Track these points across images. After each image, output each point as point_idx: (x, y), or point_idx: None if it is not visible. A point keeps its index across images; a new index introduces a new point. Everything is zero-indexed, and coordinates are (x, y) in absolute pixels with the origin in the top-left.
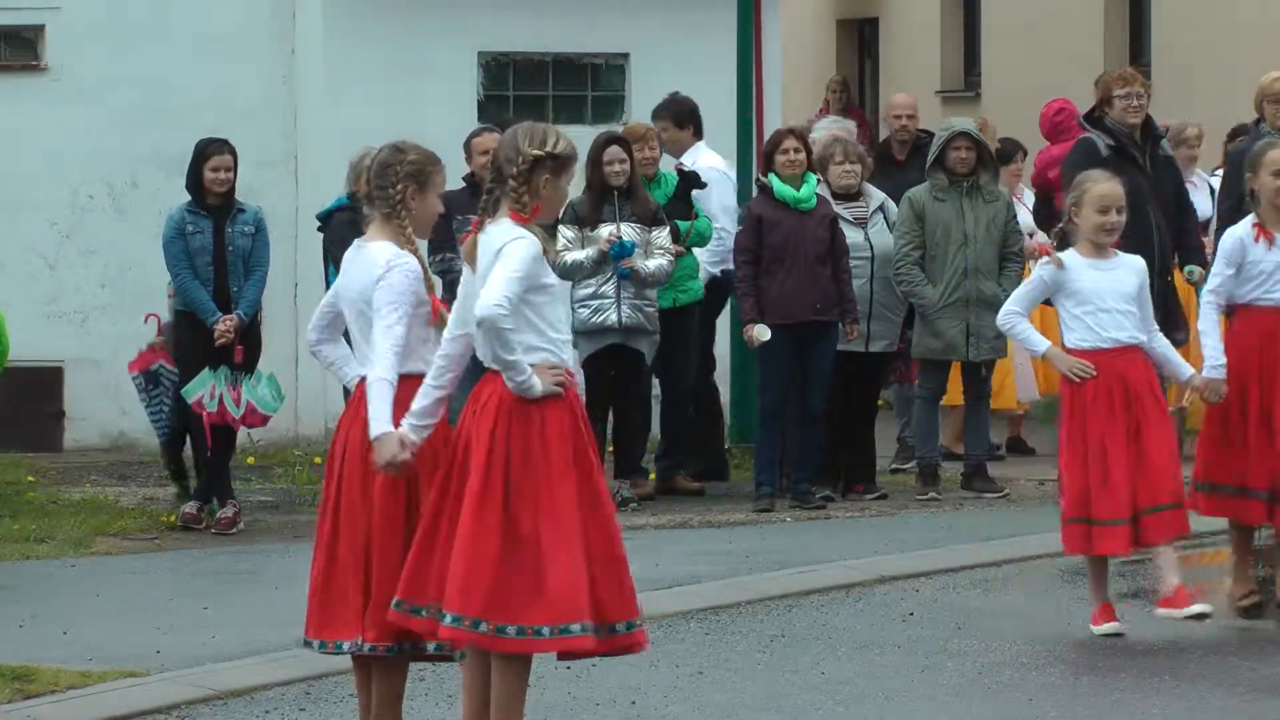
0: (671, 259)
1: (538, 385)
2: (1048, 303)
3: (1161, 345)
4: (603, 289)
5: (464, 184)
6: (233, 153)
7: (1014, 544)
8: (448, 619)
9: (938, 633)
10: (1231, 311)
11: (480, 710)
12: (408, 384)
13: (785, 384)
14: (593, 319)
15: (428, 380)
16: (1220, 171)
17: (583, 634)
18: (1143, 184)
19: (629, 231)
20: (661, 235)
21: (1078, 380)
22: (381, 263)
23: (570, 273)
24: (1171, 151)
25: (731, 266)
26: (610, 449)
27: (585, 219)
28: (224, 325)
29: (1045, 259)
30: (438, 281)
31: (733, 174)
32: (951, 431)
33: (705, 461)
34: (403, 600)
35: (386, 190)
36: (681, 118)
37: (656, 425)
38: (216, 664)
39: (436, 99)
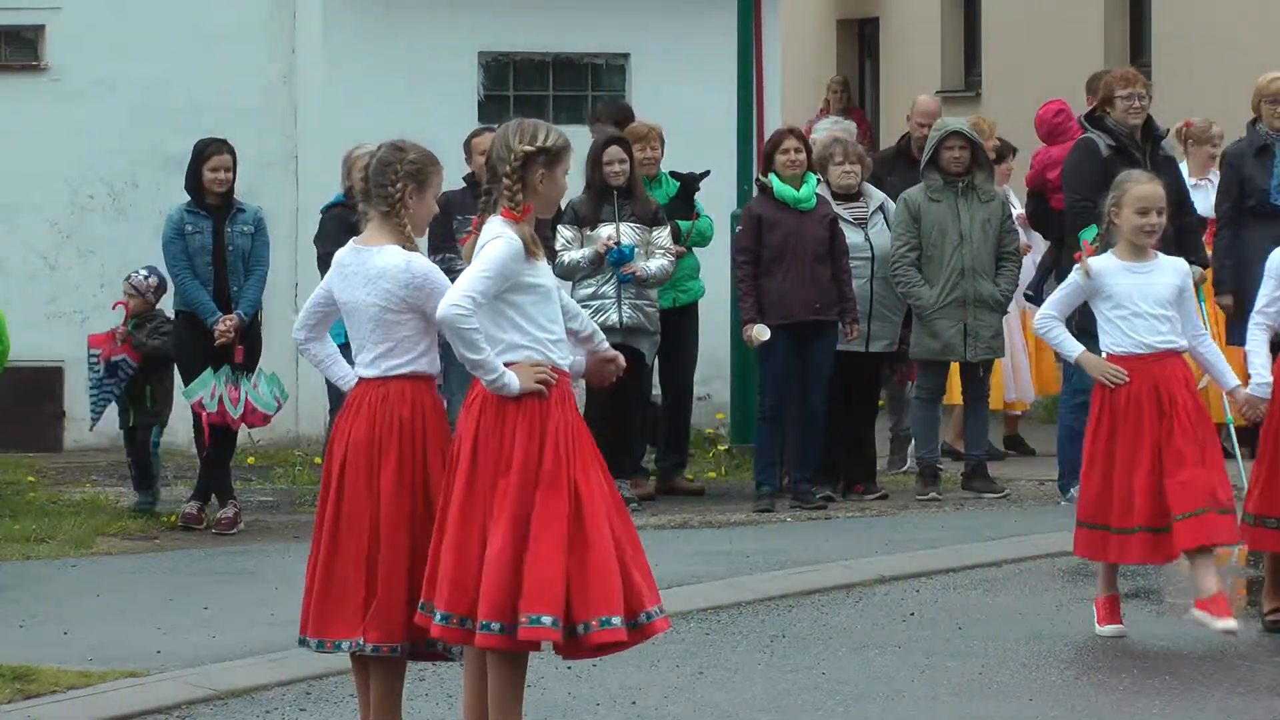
0: (673, 259)
1: (514, 383)
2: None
3: (1208, 351)
4: (603, 289)
5: (464, 184)
6: (232, 153)
7: (1014, 544)
8: (437, 617)
9: (938, 633)
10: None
11: (479, 709)
12: (408, 383)
13: (785, 384)
14: (594, 319)
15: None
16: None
17: (554, 627)
18: None
19: (629, 232)
20: (662, 235)
21: (1112, 386)
22: (401, 267)
23: (568, 272)
24: (1172, 152)
25: None
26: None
27: (585, 219)
28: (224, 325)
29: (1078, 264)
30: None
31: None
32: (953, 430)
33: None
34: (427, 603)
35: (386, 189)
36: (622, 120)
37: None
38: (216, 664)
39: (436, 99)
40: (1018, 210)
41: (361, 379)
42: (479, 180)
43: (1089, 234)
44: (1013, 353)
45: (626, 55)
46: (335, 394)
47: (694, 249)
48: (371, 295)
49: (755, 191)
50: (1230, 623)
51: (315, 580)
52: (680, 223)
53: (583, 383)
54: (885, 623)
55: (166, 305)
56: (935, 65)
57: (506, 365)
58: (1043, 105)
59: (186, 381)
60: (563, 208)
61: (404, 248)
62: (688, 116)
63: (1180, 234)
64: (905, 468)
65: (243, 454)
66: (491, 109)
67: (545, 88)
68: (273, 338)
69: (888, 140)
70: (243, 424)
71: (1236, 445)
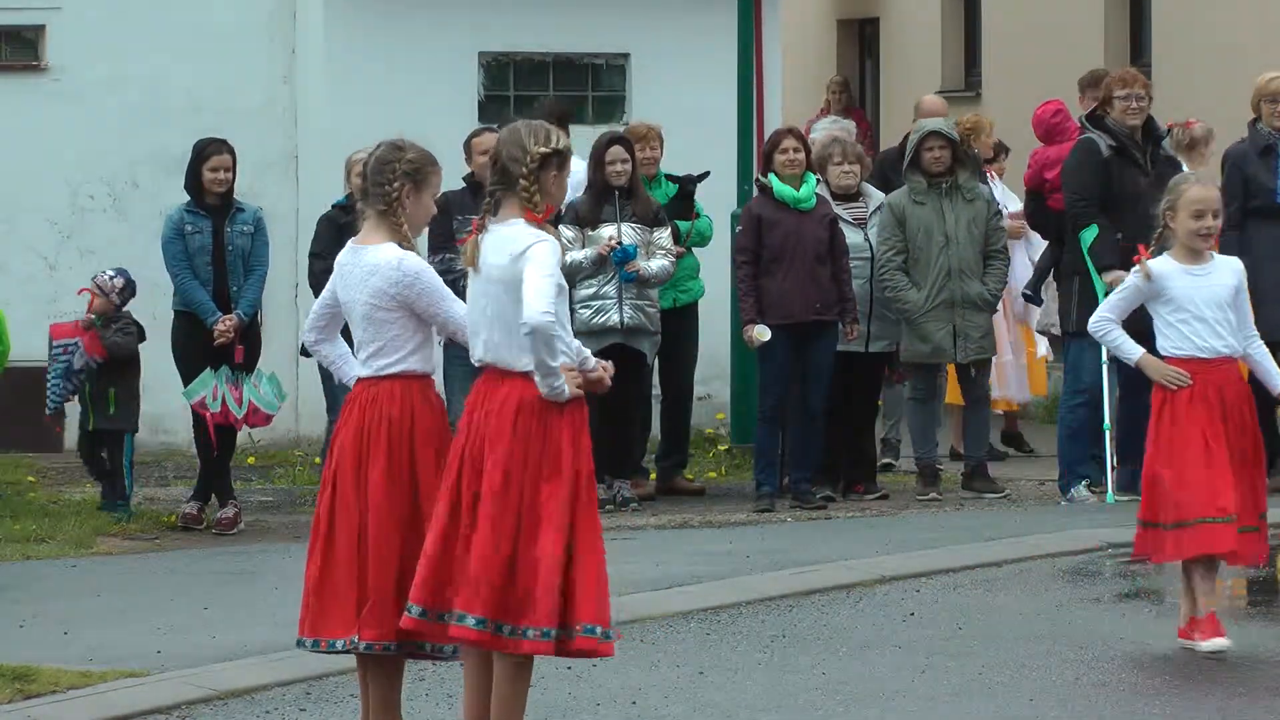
0: (673, 259)
1: (567, 389)
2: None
3: (1259, 352)
4: (604, 289)
5: (464, 184)
6: (232, 153)
7: (1014, 544)
8: (469, 621)
9: (938, 633)
10: None
11: (479, 709)
12: (398, 383)
13: (785, 384)
14: (595, 319)
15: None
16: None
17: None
18: (1144, 184)
19: (629, 232)
20: (663, 236)
21: (1174, 389)
22: (393, 265)
23: (570, 273)
24: (1173, 152)
25: None
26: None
27: (586, 219)
28: (224, 325)
29: (1137, 266)
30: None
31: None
32: (954, 430)
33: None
34: (426, 609)
35: (383, 187)
36: (562, 119)
37: (657, 425)
38: (216, 664)
39: (436, 99)
40: (1015, 208)
41: (358, 379)
42: (479, 180)
43: (1089, 234)
44: (1006, 352)
45: (626, 55)
46: (331, 395)
47: (693, 249)
48: (363, 293)
49: (755, 191)
50: (1221, 642)
51: (310, 580)
52: (679, 223)
53: None
54: (885, 623)
55: (166, 308)
56: (935, 65)
57: None
58: (1040, 105)
59: (186, 381)
60: (562, 209)
61: (400, 246)
62: (688, 116)
63: None
64: (892, 463)
65: (243, 454)
66: (491, 109)
67: (545, 88)
68: (272, 337)
69: (888, 140)
70: (245, 424)
71: None
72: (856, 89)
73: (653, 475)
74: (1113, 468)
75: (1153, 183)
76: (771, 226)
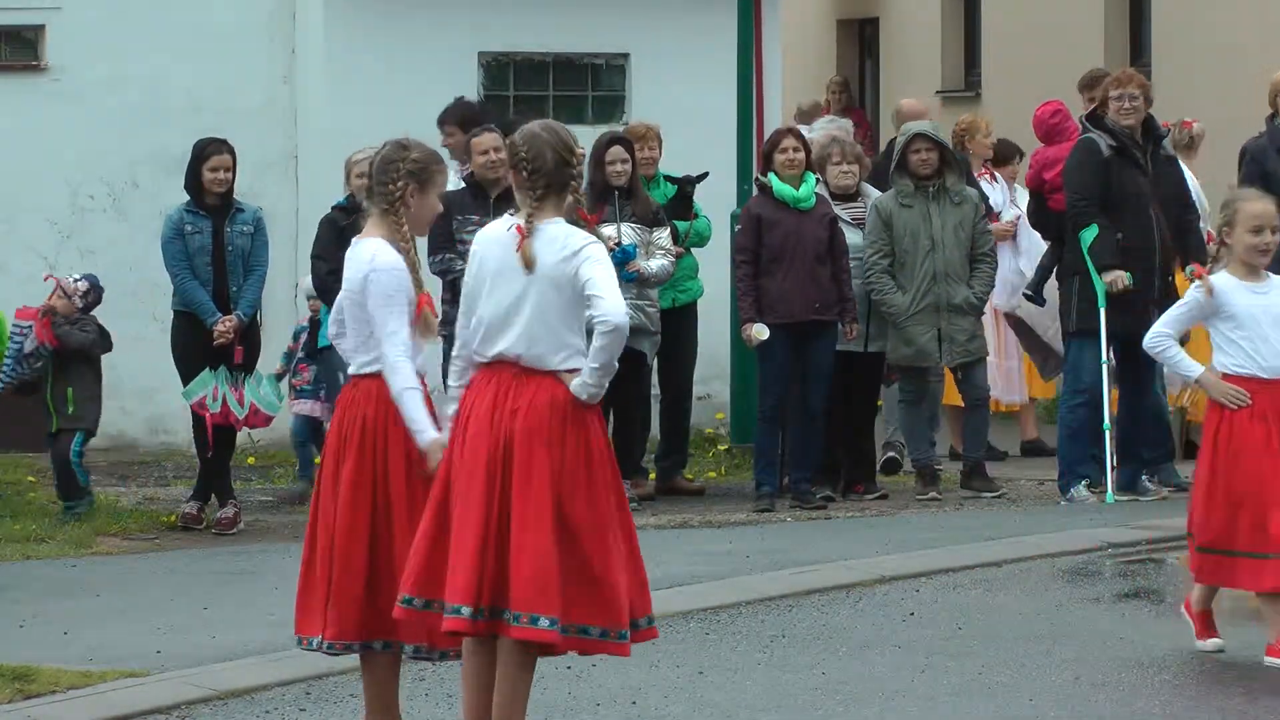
0: (673, 259)
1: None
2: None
3: None
4: None
5: (464, 184)
6: (232, 153)
7: (1014, 544)
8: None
9: (937, 633)
10: None
11: (479, 709)
12: (375, 382)
13: (785, 384)
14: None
15: (452, 381)
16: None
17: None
18: (1144, 184)
19: (629, 232)
20: (662, 236)
21: (1233, 409)
22: (366, 260)
23: None
24: (1174, 151)
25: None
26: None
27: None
28: (223, 325)
29: (1198, 282)
30: (436, 281)
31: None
32: (953, 431)
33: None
34: (413, 598)
35: (387, 186)
36: (468, 121)
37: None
38: (216, 664)
39: (436, 99)
40: (1019, 211)
41: (352, 377)
42: (479, 180)
43: (1089, 234)
44: (1002, 354)
45: (626, 55)
46: (331, 395)
47: (692, 249)
48: (351, 288)
49: (755, 191)
50: None
51: (299, 578)
52: (678, 223)
53: None
54: (885, 623)
55: (165, 308)
56: (935, 65)
57: (569, 372)
58: (1040, 106)
59: (185, 382)
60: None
61: (396, 245)
62: (688, 116)
63: (1181, 233)
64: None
65: (243, 454)
66: (491, 109)
67: (545, 88)
68: (272, 338)
69: (888, 140)
70: (246, 425)
71: None
72: (856, 89)
73: (652, 475)
74: (1113, 468)
75: (1152, 182)
76: (771, 226)
